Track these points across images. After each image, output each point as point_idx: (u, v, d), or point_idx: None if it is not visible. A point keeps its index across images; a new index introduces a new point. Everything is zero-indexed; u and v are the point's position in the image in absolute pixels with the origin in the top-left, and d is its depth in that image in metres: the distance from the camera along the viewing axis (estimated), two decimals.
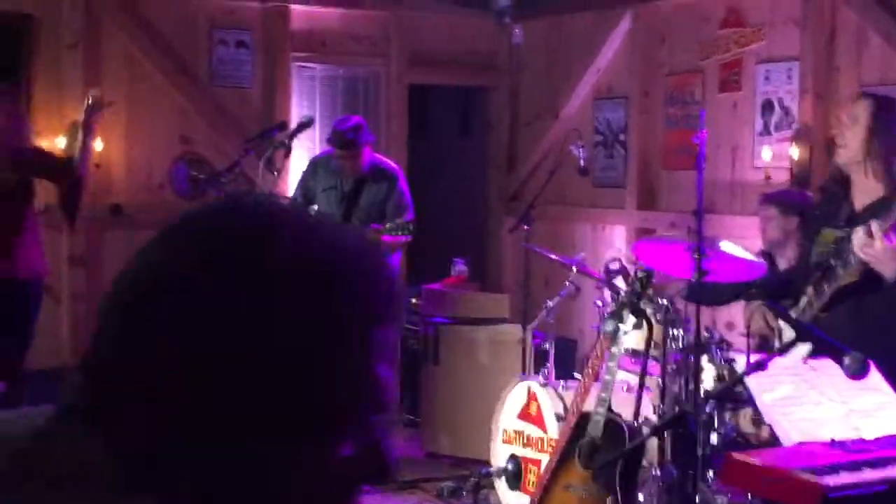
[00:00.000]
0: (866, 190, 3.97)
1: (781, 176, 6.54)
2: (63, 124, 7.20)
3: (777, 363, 3.62)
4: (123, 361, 0.94)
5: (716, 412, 5.22)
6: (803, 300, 3.88)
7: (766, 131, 6.75)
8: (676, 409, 4.44)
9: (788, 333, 4.02)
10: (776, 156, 6.59)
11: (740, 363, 4.09)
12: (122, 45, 7.46)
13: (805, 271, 3.97)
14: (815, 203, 4.35)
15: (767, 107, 6.74)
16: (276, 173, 6.16)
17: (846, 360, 2.67)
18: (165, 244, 0.98)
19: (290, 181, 7.33)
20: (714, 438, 5.20)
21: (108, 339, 0.95)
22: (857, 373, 2.69)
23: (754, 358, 3.07)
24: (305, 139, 7.29)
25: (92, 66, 7.35)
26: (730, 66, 6.98)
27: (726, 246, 5.39)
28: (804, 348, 3.04)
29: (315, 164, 6.72)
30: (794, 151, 6.44)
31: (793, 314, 3.70)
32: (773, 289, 4.21)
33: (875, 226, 3.63)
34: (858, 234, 3.66)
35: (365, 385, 0.97)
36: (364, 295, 0.98)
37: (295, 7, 7.91)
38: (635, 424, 4.74)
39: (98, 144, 7.29)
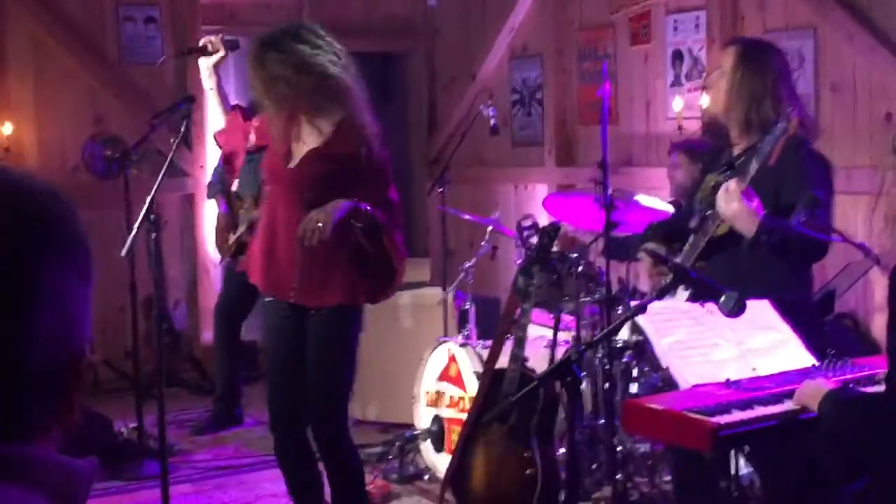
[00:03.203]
0: (735, 138, 3.88)
1: (694, 126, 6.54)
2: None
3: (676, 307, 3.65)
4: None
5: (634, 361, 5.27)
6: (686, 247, 3.84)
7: (677, 82, 6.77)
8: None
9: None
10: (688, 106, 6.60)
11: None
12: (26, 27, 7.31)
13: (690, 217, 3.93)
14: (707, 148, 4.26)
15: (677, 57, 6.77)
16: (190, 148, 6.08)
17: (722, 299, 2.68)
18: None
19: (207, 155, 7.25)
20: (635, 388, 5.25)
21: None
22: (734, 311, 2.71)
23: (635, 302, 3.09)
24: None
25: None
26: (639, 18, 6.99)
27: (642, 199, 5.41)
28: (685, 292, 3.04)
29: None
30: (705, 100, 6.45)
31: (676, 258, 3.69)
32: (665, 235, 4.17)
33: (733, 185, 3.53)
34: (720, 192, 3.57)
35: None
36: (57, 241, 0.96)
37: None
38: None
39: (7, 128, 7.16)
